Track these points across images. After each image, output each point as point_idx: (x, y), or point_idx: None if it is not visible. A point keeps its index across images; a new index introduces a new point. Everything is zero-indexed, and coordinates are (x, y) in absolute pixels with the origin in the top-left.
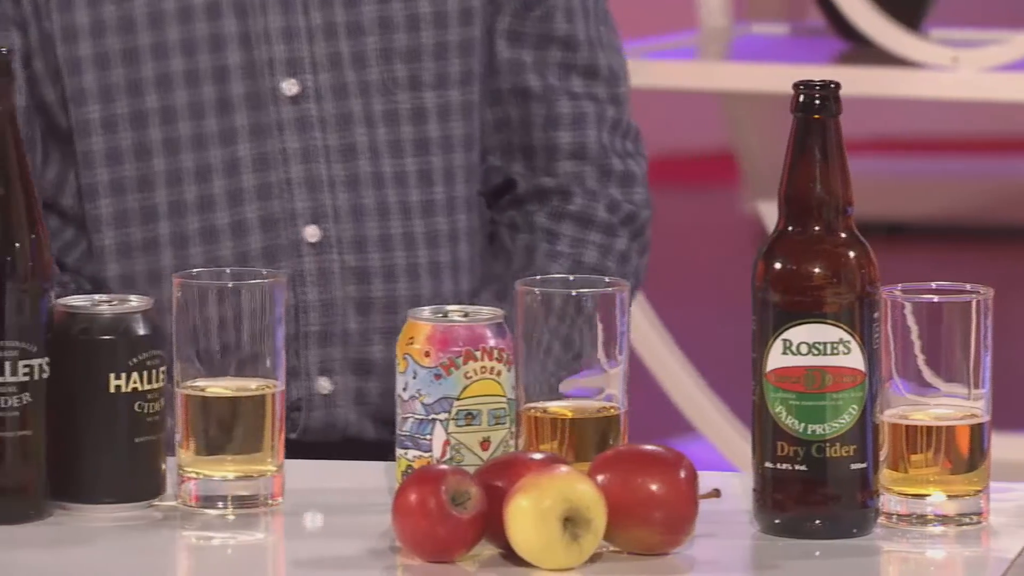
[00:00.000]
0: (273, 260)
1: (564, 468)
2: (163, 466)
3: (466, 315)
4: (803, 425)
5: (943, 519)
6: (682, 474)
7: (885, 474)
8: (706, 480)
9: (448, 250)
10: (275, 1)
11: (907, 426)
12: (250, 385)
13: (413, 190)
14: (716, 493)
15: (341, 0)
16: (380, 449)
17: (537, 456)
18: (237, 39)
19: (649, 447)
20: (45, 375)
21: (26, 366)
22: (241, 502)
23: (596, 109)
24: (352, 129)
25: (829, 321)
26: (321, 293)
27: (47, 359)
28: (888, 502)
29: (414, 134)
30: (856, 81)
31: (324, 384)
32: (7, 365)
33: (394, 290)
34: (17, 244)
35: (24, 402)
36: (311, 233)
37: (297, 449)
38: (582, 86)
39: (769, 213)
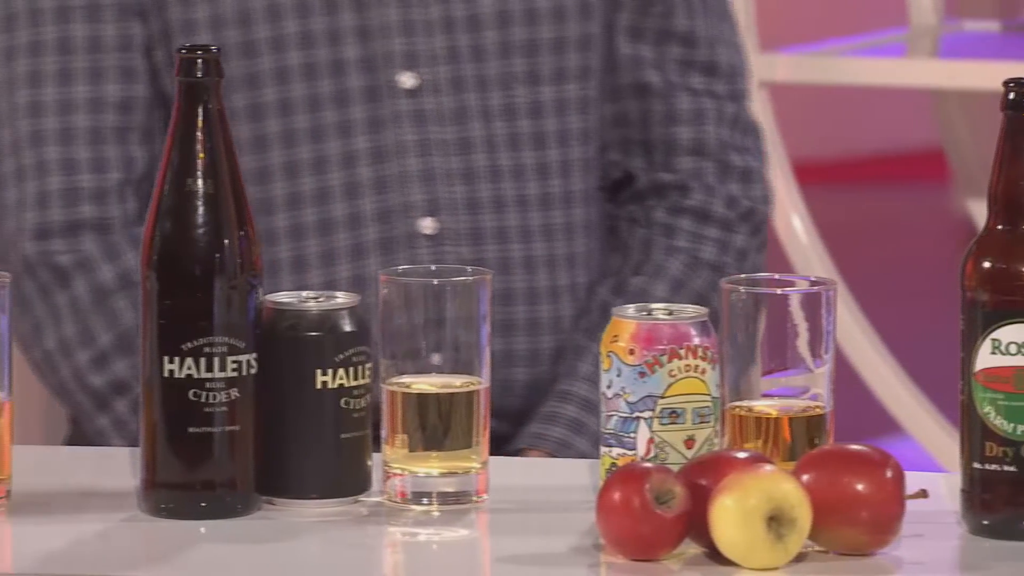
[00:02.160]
0: (389, 252)
1: (769, 467)
2: (369, 462)
3: (671, 313)
4: (1012, 425)
5: None
6: (889, 474)
7: None
8: (913, 480)
9: (564, 243)
10: None
11: None
12: (455, 382)
13: (530, 183)
14: (923, 493)
15: None
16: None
17: (741, 455)
18: (355, 32)
19: (855, 446)
20: (253, 371)
21: (234, 362)
22: (446, 498)
23: (715, 105)
24: (469, 123)
25: None
26: None
27: (255, 355)
28: None
29: (531, 128)
30: None
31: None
32: (216, 361)
33: (510, 282)
34: (226, 241)
35: (232, 398)
36: (427, 225)
37: None
38: (702, 82)
39: (979, 211)
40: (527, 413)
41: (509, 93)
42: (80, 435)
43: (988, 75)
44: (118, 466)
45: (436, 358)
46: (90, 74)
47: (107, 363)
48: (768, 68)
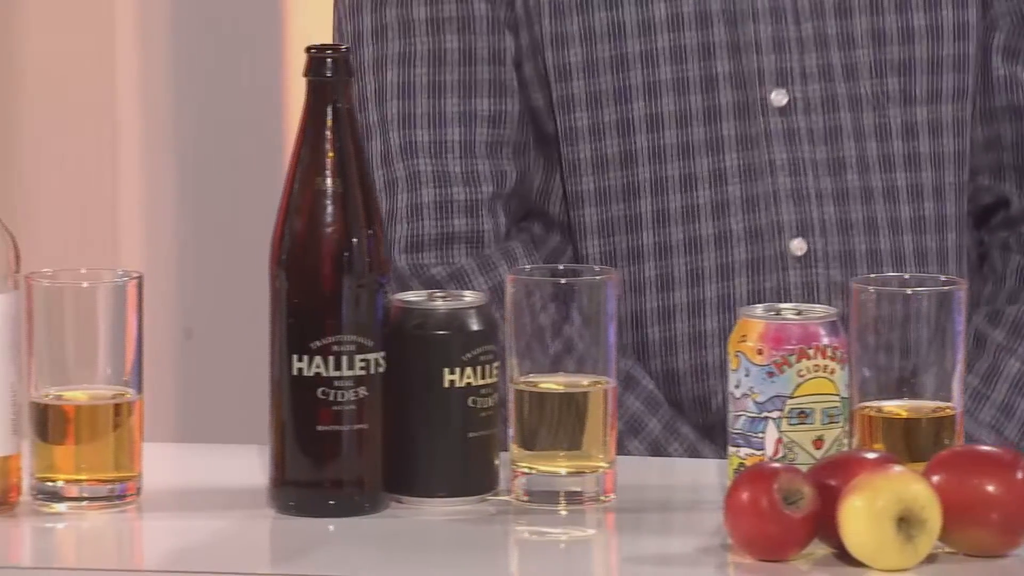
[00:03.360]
0: (757, 273)
1: (898, 468)
2: (496, 461)
3: (799, 313)
4: None
5: None
6: (1020, 475)
7: None
8: None
9: (936, 268)
10: (766, 10)
11: None
12: (582, 381)
13: (903, 206)
14: None
15: (833, 10)
16: None
17: (871, 455)
18: (727, 48)
19: (986, 447)
20: (381, 369)
21: (362, 360)
22: (573, 498)
23: None
24: (841, 142)
25: None
26: None
27: (383, 354)
28: None
29: (904, 149)
30: None
31: None
32: (344, 359)
33: None
34: (355, 240)
35: (360, 396)
36: (797, 246)
37: None
38: None
39: None
40: None
41: (883, 112)
42: None
43: None
44: (247, 463)
45: (563, 357)
46: (462, 87)
47: None
48: None
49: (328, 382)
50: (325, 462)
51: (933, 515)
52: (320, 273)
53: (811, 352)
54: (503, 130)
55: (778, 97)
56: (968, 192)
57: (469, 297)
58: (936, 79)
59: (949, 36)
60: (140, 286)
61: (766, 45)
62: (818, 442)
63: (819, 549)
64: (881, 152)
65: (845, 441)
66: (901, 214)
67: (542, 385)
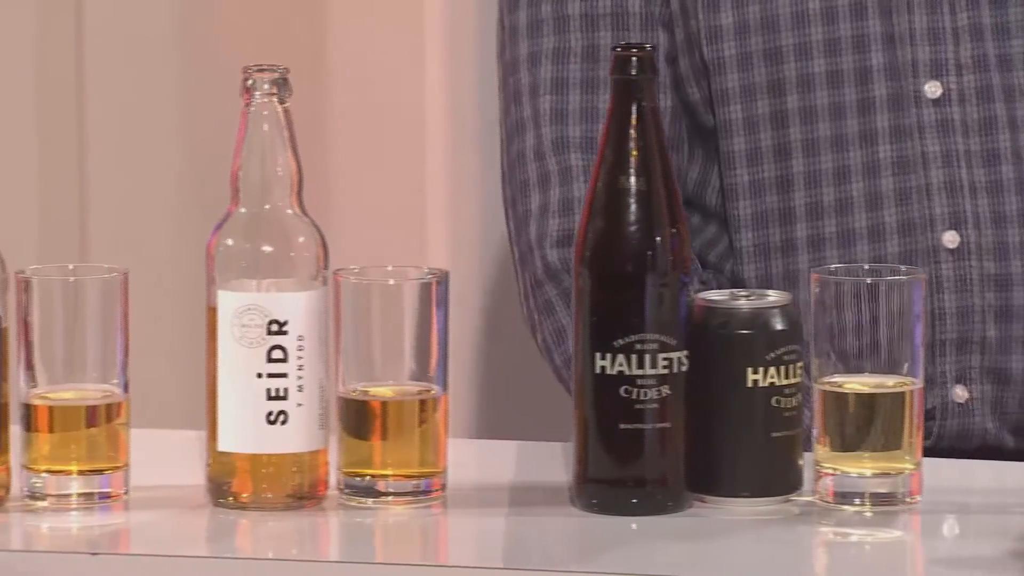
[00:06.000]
0: (909, 264)
1: None
2: (800, 461)
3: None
4: None
5: None
6: None
7: None
8: None
9: None
10: (921, 1)
11: None
12: (888, 382)
13: None
14: None
15: (988, 1)
16: (1019, 459)
17: None
18: (881, 39)
19: None
20: (683, 368)
21: (665, 359)
22: (879, 499)
23: None
24: (996, 134)
25: None
26: (959, 300)
27: (686, 352)
28: None
29: None
30: None
31: (960, 392)
32: (647, 358)
33: None
34: (658, 238)
35: (663, 395)
36: (949, 239)
37: (930, 456)
38: None
39: None
40: None
41: None
42: None
43: None
44: (550, 460)
45: (868, 357)
46: None
47: None
48: None
49: (631, 380)
50: (628, 460)
51: None
52: (623, 272)
53: None
54: None
55: (932, 89)
56: None
57: (773, 296)
58: None
59: None
60: (445, 283)
61: (920, 36)
62: None
63: None
64: None
65: None
66: None
67: (847, 385)
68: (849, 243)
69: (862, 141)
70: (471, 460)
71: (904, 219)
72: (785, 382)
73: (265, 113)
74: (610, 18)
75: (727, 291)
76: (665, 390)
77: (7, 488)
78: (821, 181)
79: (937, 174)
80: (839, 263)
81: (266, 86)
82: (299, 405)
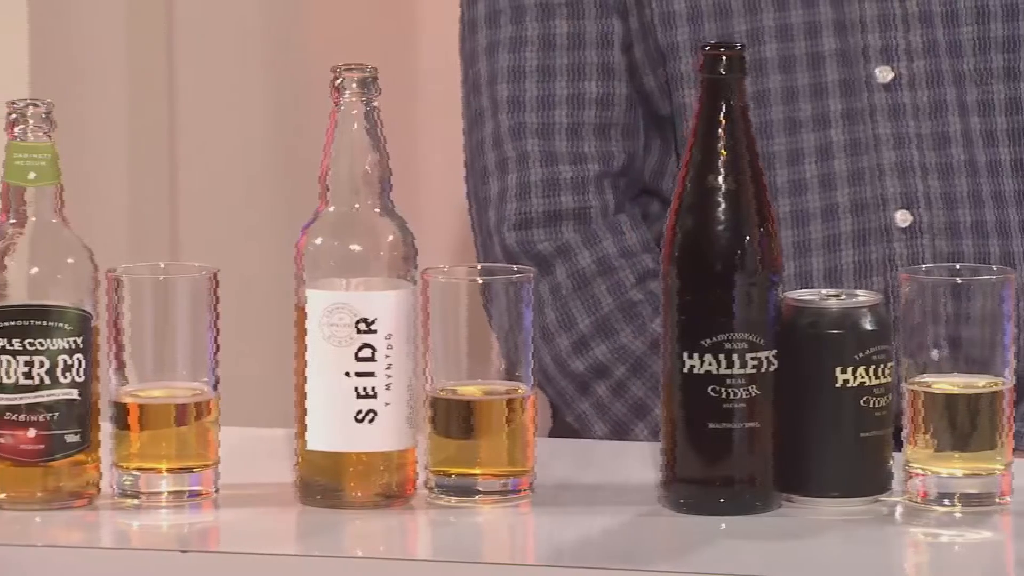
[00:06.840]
0: (862, 244)
1: None
2: (890, 461)
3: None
4: None
5: None
6: None
7: None
8: None
9: None
10: None
11: None
12: (978, 382)
13: (1007, 180)
14: None
15: None
16: None
17: None
18: (832, 26)
19: None
20: (772, 368)
21: (754, 359)
22: (970, 500)
23: None
24: (946, 117)
25: None
26: None
27: (774, 352)
28: None
29: (1008, 124)
30: None
31: None
32: (735, 357)
33: None
34: (747, 238)
35: (752, 394)
36: (901, 218)
37: None
38: None
39: None
40: None
41: (986, 89)
42: (561, 426)
43: None
44: (639, 460)
45: (958, 358)
46: (571, 71)
47: (587, 347)
48: None
49: (719, 380)
50: (716, 460)
51: None
52: (712, 271)
53: None
54: (610, 112)
55: (883, 73)
56: None
57: (863, 296)
58: None
59: None
60: (533, 282)
61: (871, 23)
62: None
63: None
64: (984, 127)
65: None
66: (1005, 188)
67: (937, 386)
68: (803, 222)
69: (815, 124)
70: (556, 459)
71: (857, 199)
72: (875, 382)
73: (354, 112)
74: (566, 7)
75: (816, 290)
76: (754, 389)
77: (97, 486)
78: (775, 163)
79: (889, 155)
80: (792, 242)
81: (355, 85)
82: (387, 404)
